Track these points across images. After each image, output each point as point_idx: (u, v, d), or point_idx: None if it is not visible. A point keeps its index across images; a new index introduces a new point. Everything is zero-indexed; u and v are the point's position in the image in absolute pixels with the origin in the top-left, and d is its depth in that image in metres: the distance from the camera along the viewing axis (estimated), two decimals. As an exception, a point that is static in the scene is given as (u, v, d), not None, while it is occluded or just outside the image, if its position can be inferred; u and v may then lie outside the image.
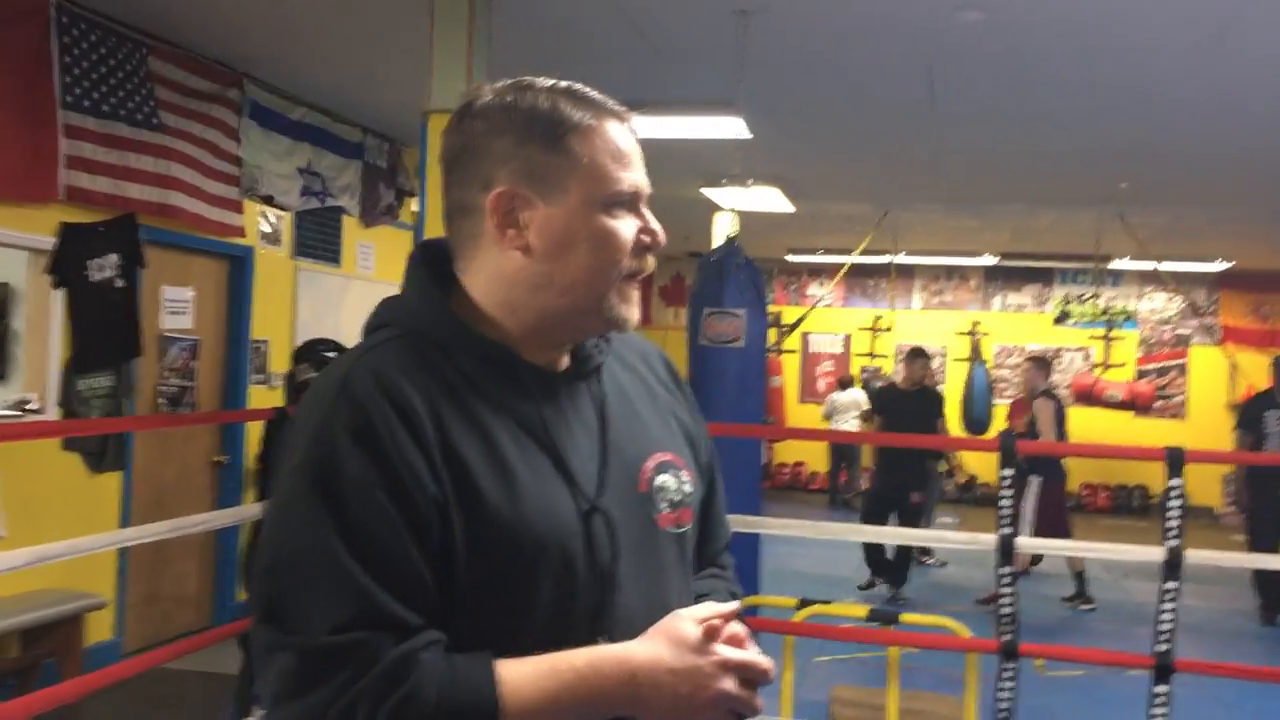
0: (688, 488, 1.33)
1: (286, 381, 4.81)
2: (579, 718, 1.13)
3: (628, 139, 1.25)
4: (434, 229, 2.28)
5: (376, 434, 1.11)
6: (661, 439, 1.33)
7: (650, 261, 1.27)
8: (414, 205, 7.59)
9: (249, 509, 4.56)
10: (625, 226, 1.23)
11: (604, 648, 1.16)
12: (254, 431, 5.84)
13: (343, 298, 7.35)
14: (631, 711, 1.14)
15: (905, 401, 8.34)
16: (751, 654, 1.19)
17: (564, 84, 1.24)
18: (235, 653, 4.37)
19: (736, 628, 1.20)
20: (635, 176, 1.24)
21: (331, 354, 4.83)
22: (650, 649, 1.16)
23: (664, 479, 1.30)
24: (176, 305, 5.95)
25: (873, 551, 8.09)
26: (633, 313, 1.27)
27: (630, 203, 1.24)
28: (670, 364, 1.47)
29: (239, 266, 6.43)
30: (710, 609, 1.21)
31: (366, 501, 1.09)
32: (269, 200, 6.35)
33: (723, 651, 1.17)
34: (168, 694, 5.10)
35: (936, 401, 8.66)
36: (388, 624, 1.07)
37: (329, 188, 6.84)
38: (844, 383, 13.04)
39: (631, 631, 1.19)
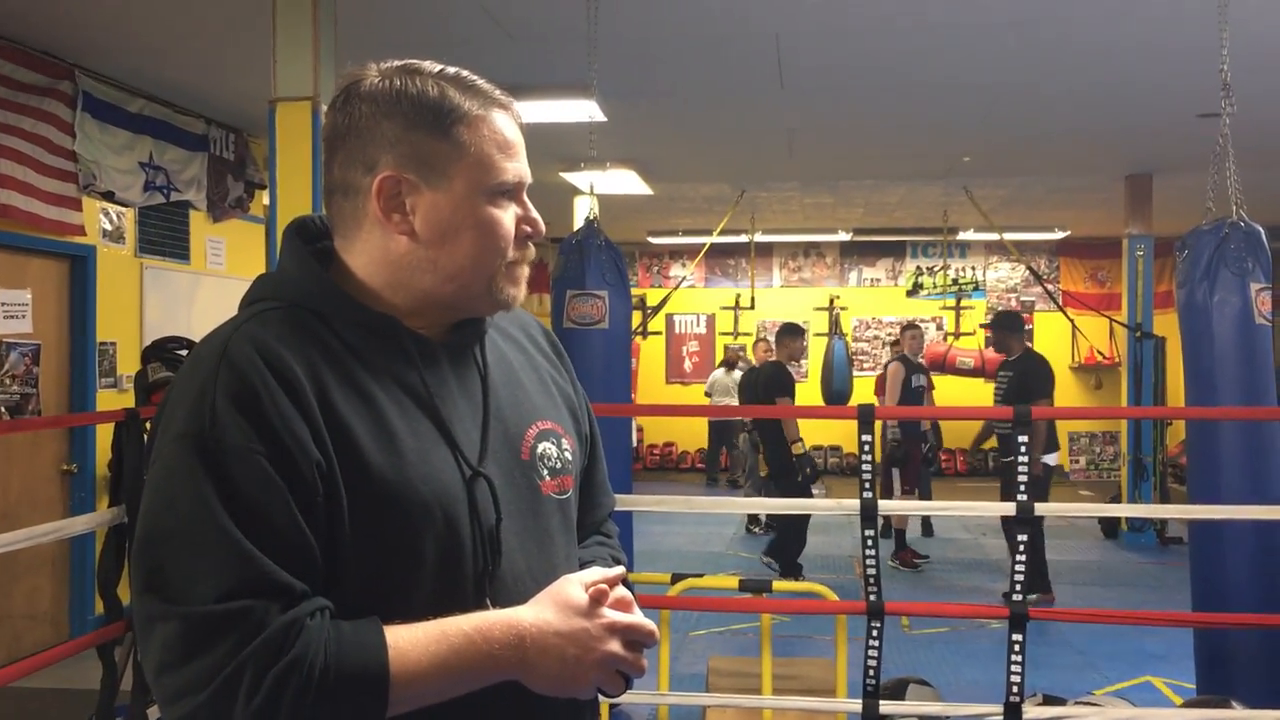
0: (569, 455, 1.36)
1: (136, 382, 4.63)
2: (468, 681, 1.14)
3: (513, 129, 1.27)
4: (287, 220, 2.23)
5: (258, 400, 1.10)
6: (543, 407, 1.36)
7: (531, 251, 1.30)
8: (265, 198, 7.37)
9: (102, 515, 4.37)
10: (508, 216, 1.25)
11: (492, 612, 1.17)
12: (105, 437, 5.60)
13: (193, 295, 7.10)
14: (520, 674, 1.16)
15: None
16: (637, 617, 1.22)
17: (451, 70, 1.25)
18: (95, 666, 4.20)
19: (622, 592, 1.23)
20: (519, 166, 1.27)
21: (184, 351, 4.66)
22: (538, 613, 1.17)
23: (545, 446, 1.32)
24: (13, 309, 5.67)
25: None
26: (520, 291, 1.30)
27: (513, 193, 1.27)
28: (550, 335, 1.49)
29: (80, 266, 6.14)
30: (597, 573, 1.23)
31: (249, 468, 1.08)
32: (109, 196, 6.09)
33: (609, 615, 1.19)
34: (20, 714, 4.88)
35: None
36: (273, 591, 1.06)
37: (173, 182, 6.60)
38: (729, 362, 12.78)
39: (518, 596, 1.21)
